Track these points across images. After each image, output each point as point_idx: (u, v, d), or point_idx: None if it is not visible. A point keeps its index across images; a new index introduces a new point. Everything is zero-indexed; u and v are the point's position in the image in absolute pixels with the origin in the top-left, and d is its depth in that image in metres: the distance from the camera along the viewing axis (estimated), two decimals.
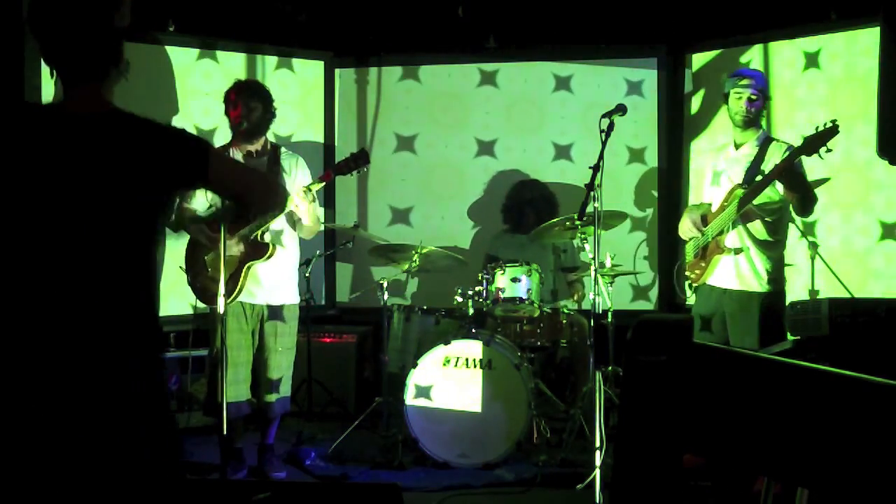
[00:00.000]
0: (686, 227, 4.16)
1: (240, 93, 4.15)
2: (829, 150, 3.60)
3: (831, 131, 3.56)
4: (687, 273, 4.16)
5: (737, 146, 4.03)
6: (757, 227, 3.91)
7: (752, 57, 5.34)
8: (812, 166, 4.04)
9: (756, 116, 3.96)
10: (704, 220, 4.09)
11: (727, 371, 0.89)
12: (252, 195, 2.10)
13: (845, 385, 0.81)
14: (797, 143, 3.72)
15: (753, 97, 3.93)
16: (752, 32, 5.37)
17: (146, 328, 1.88)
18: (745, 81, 3.94)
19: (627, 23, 5.70)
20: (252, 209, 2.28)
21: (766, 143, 3.94)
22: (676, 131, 5.75)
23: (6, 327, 1.79)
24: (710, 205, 4.12)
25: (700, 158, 5.55)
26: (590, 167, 3.82)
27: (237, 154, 4.16)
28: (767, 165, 3.84)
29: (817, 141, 3.58)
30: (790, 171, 3.70)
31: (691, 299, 4.24)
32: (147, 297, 1.90)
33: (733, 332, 3.91)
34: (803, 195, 3.82)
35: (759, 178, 3.82)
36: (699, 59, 5.67)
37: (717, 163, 4.13)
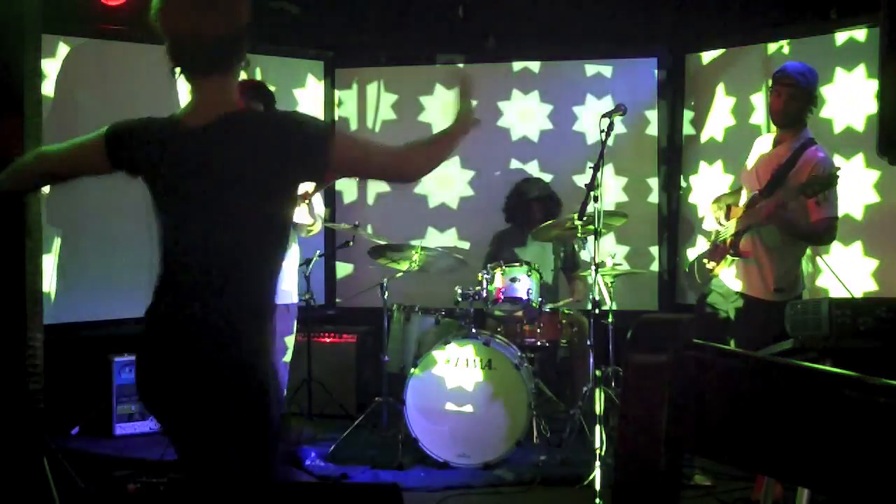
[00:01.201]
0: (710, 219, 4.08)
1: (241, 93, 4.13)
2: (825, 199, 3.56)
3: (831, 181, 3.49)
4: (705, 260, 4.05)
5: (775, 143, 3.88)
6: (770, 232, 3.79)
7: (751, 57, 5.35)
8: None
9: (794, 116, 3.76)
10: (728, 213, 3.96)
11: (727, 371, 0.89)
12: (386, 175, 2.29)
13: (845, 385, 0.81)
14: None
15: (792, 97, 3.71)
16: (751, 32, 5.37)
17: (272, 296, 2.14)
18: (786, 80, 3.74)
19: (628, 23, 5.70)
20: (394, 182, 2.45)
21: (802, 147, 3.75)
22: (676, 132, 5.75)
23: (170, 298, 2.07)
24: (738, 196, 4.01)
25: (698, 158, 5.56)
26: (590, 167, 3.82)
27: None
28: (794, 176, 3.71)
29: (816, 187, 3.51)
30: (773, 217, 3.63)
31: (706, 295, 4.16)
32: (278, 270, 2.14)
33: (733, 335, 3.88)
34: (797, 236, 3.76)
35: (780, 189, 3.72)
36: (699, 60, 5.67)
37: (756, 153, 3.96)
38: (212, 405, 2.02)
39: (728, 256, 3.86)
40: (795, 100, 3.73)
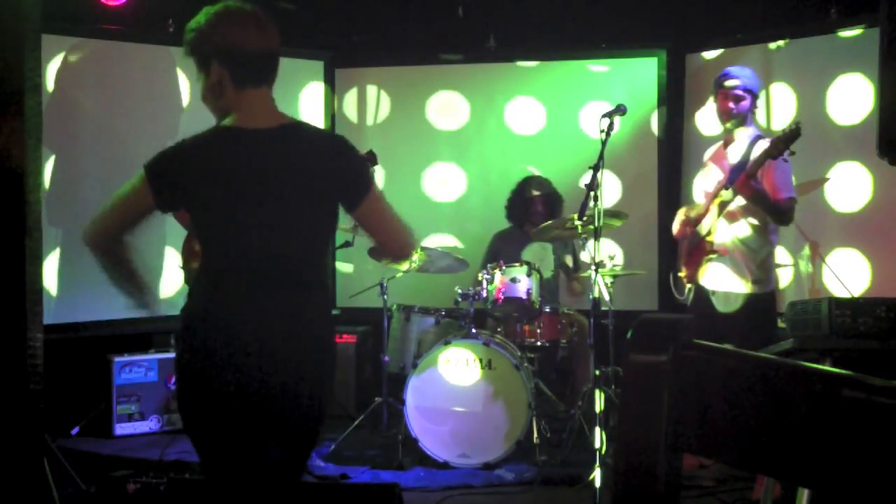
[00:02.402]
0: (678, 227, 4.19)
1: None
2: (792, 153, 3.64)
3: (794, 133, 3.59)
4: (680, 274, 4.18)
5: (726, 144, 4.07)
6: (742, 227, 3.93)
7: (752, 56, 5.35)
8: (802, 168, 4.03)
9: (743, 116, 3.98)
10: (698, 219, 4.10)
11: (727, 371, 0.89)
12: (386, 244, 2.50)
13: (845, 385, 0.81)
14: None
15: (739, 97, 3.94)
16: (752, 32, 5.37)
17: (325, 294, 2.40)
18: (730, 82, 3.97)
19: (628, 23, 5.70)
20: (383, 253, 2.74)
21: (754, 141, 3.95)
22: (676, 131, 5.75)
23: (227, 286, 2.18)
24: (704, 204, 4.14)
25: (699, 158, 5.56)
26: (590, 167, 3.82)
27: None
28: (750, 165, 3.85)
29: (780, 144, 3.63)
30: (744, 187, 3.74)
31: (688, 299, 4.24)
32: (325, 269, 2.36)
33: (721, 332, 3.92)
34: (765, 208, 3.85)
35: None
36: (700, 60, 5.67)
37: (713, 160, 4.15)
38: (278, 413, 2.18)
39: (705, 258, 3.95)
40: (743, 98, 3.96)
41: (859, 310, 2.61)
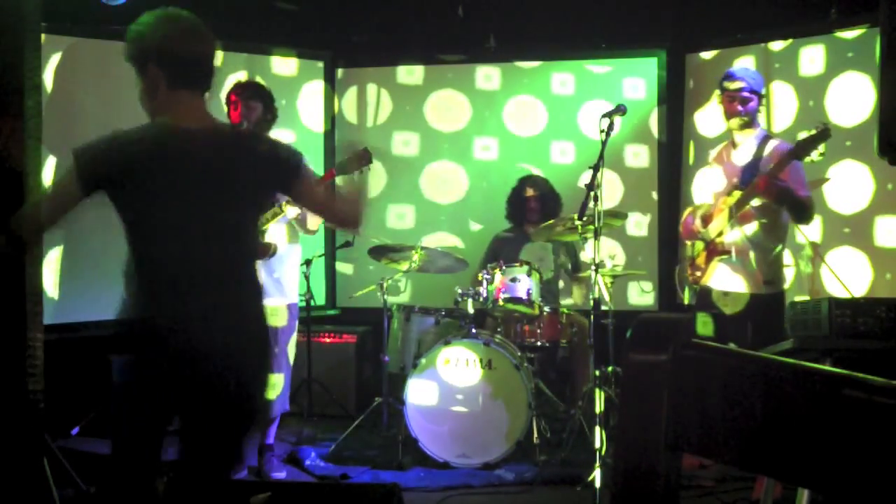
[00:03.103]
0: (687, 229, 4.16)
1: (240, 93, 4.16)
2: (822, 155, 3.60)
3: (823, 134, 3.55)
4: (687, 275, 4.15)
5: (735, 145, 4.03)
6: (754, 228, 3.90)
7: (752, 56, 5.35)
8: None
9: (751, 117, 3.95)
10: (706, 220, 4.08)
11: (727, 371, 0.89)
12: (330, 219, 2.65)
13: (845, 385, 0.81)
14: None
15: (746, 98, 3.91)
16: (752, 32, 5.37)
17: (256, 288, 2.42)
18: (735, 84, 3.93)
19: (628, 23, 5.70)
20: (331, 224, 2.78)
21: (763, 141, 3.94)
22: (676, 131, 5.75)
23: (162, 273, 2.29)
24: (711, 205, 4.12)
25: (700, 158, 5.55)
26: (590, 167, 3.82)
27: None
28: (764, 165, 3.84)
29: (809, 145, 3.58)
30: (770, 186, 3.70)
31: (691, 300, 4.23)
32: (253, 263, 2.43)
33: (731, 333, 3.91)
34: (791, 205, 3.82)
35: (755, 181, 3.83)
36: (699, 60, 5.67)
37: (718, 161, 4.13)
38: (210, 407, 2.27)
39: (716, 258, 3.93)
40: (749, 100, 3.92)
41: (859, 310, 2.61)
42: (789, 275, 5.01)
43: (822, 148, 3.57)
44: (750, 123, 3.96)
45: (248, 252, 2.41)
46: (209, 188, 2.25)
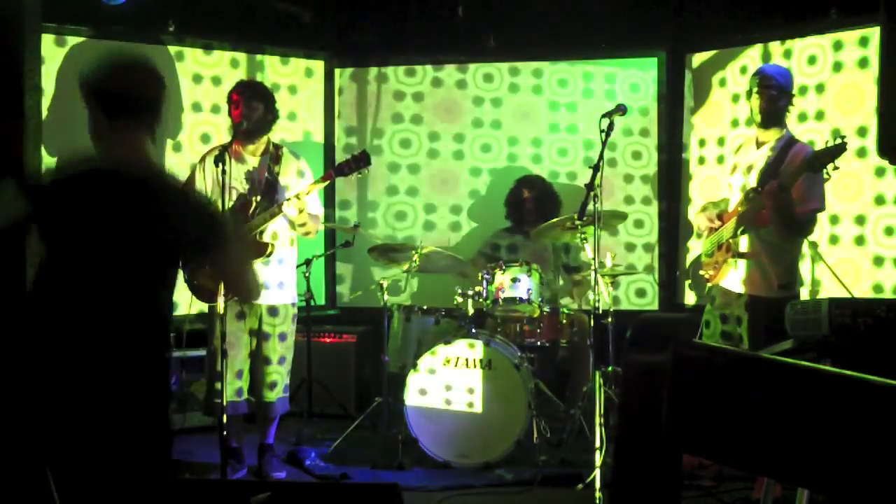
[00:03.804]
0: (702, 222, 4.12)
1: (242, 93, 4.16)
2: (836, 168, 3.51)
3: (840, 148, 3.47)
4: (702, 272, 4.09)
5: (758, 144, 3.95)
6: (769, 231, 3.82)
7: (751, 56, 5.35)
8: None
9: (778, 115, 3.87)
10: (721, 217, 4.02)
11: (727, 371, 0.89)
12: (233, 286, 2.67)
13: (845, 385, 0.81)
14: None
15: (774, 95, 3.84)
16: (752, 32, 5.36)
17: (151, 342, 2.33)
18: (766, 81, 3.85)
19: (628, 23, 5.70)
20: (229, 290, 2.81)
21: (787, 145, 3.84)
22: (677, 132, 5.75)
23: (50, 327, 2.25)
24: (728, 201, 4.07)
25: (699, 158, 5.56)
26: (590, 167, 3.82)
27: (237, 154, 4.16)
28: (784, 170, 3.75)
29: (826, 157, 3.50)
30: (774, 195, 3.65)
31: (704, 300, 4.19)
32: (154, 317, 2.35)
33: (745, 336, 3.87)
34: (784, 221, 3.75)
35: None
36: (699, 60, 5.67)
37: (739, 159, 4.05)
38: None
39: (730, 259, 3.87)
40: (778, 100, 3.85)
41: (859, 310, 2.60)
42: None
43: (837, 162, 3.51)
44: (776, 122, 3.88)
45: (135, 320, 2.29)
46: (111, 241, 2.26)
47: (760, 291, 3.86)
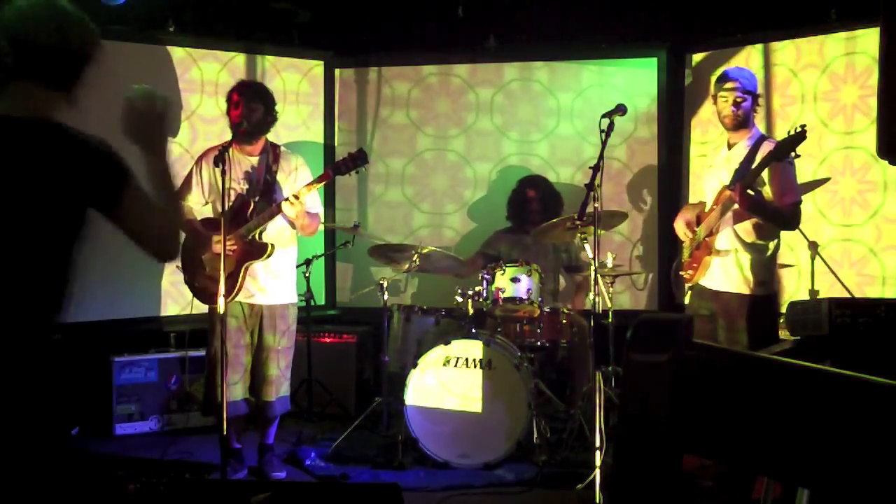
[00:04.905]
0: (680, 227, 4.16)
1: (242, 93, 4.16)
2: (797, 156, 3.60)
3: (799, 136, 3.55)
4: (682, 273, 4.14)
5: (729, 146, 4.01)
6: (746, 228, 3.86)
7: (751, 56, 5.35)
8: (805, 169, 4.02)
9: (745, 118, 3.92)
10: (699, 219, 4.07)
11: (727, 371, 0.89)
12: (145, 242, 2.26)
13: (845, 385, 0.81)
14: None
15: (739, 99, 3.89)
16: (752, 32, 5.37)
17: (38, 319, 2.21)
18: (729, 84, 3.91)
19: (628, 23, 5.70)
20: (143, 250, 2.31)
21: (758, 142, 3.91)
22: (676, 132, 5.75)
23: None
24: (704, 203, 4.12)
25: (699, 158, 5.55)
26: (590, 167, 3.82)
27: (235, 154, 4.16)
28: (757, 166, 3.80)
29: (785, 147, 3.58)
30: (742, 197, 3.68)
31: (686, 299, 4.23)
32: (44, 295, 2.22)
33: (722, 333, 3.89)
34: (763, 217, 3.79)
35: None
36: (700, 60, 5.67)
37: (712, 161, 4.13)
38: None
39: (707, 258, 3.91)
40: (743, 100, 3.90)
41: (859, 310, 2.60)
42: (786, 275, 5.01)
43: (798, 150, 3.57)
44: (744, 124, 3.94)
45: (30, 275, 2.12)
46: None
47: (738, 288, 3.88)
